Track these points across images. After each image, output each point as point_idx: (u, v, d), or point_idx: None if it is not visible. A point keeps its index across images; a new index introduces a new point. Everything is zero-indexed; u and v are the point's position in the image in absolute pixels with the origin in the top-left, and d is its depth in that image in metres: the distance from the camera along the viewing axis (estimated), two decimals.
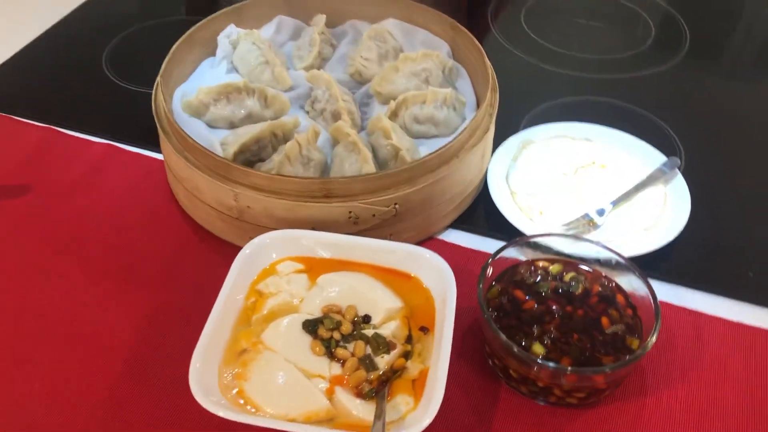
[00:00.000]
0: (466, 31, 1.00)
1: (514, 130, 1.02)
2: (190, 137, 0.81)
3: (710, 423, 0.70)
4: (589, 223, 0.88)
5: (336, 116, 0.93)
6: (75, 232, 0.89)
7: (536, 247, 0.77)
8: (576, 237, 0.78)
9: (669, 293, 0.82)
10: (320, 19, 1.07)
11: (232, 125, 0.94)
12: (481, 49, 0.96)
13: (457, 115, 0.94)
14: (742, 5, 1.38)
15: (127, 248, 0.87)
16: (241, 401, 0.65)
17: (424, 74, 0.97)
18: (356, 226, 0.81)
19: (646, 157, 0.96)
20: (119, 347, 0.76)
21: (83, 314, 0.79)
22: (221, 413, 0.62)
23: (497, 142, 0.96)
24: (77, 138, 1.03)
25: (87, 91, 1.13)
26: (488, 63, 0.93)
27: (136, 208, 0.92)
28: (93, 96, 1.12)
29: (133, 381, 0.73)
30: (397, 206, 0.80)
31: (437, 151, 0.81)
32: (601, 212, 0.89)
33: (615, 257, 0.75)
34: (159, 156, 0.99)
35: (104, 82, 1.15)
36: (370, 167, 0.83)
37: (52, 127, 1.04)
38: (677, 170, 0.93)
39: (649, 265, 0.79)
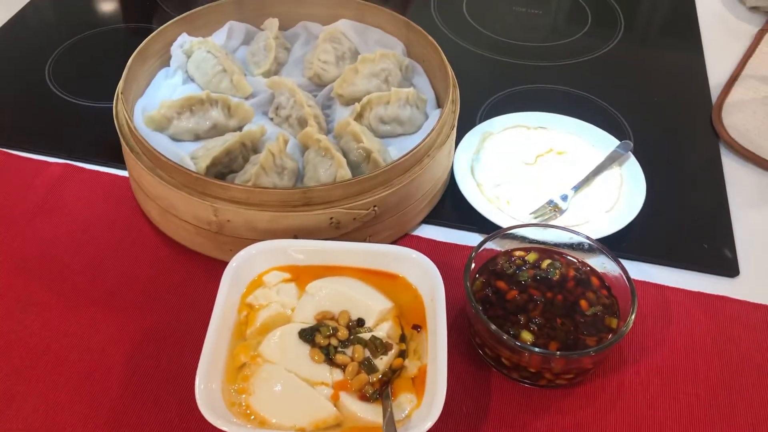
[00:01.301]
0: (420, 29, 1.02)
1: (472, 122, 1.06)
2: (163, 155, 0.80)
3: (685, 390, 0.76)
4: (554, 209, 0.92)
5: (302, 122, 0.94)
6: (46, 259, 0.86)
7: (512, 237, 0.81)
8: (551, 226, 0.82)
9: (633, 269, 0.87)
10: (273, 23, 1.07)
11: (197, 137, 0.94)
12: (437, 46, 0.98)
13: (420, 112, 0.96)
14: None
15: (104, 271, 0.85)
16: (252, 417, 0.66)
17: (383, 74, 0.99)
18: (337, 231, 0.82)
19: (599, 141, 1.01)
20: (113, 372, 0.75)
21: (68, 343, 0.78)
22: (234, 430, 0.63)
23: (458, 137, 0.99)
24: (30, 159, 1.00)
25: (33, 108, 1.10)
26: (446, 61, 0.96)
27: (105, 229, 0.90)
28: (41, 113, 1.09)
29: (134, 404, 0.73)
30: (376, 208, 0.82)
31: (411, 151, 0.83)
32: (564, 198, 0.93)
33: (586, 241, 0.80)
34: (120, 172, 0.98)
35: (51, 98, 1.11)
36: (345, 172, 0.84)
37: (2, 150, 1.01)
38: (630, 153, 0.98)
39: (612, 244, 0.84)
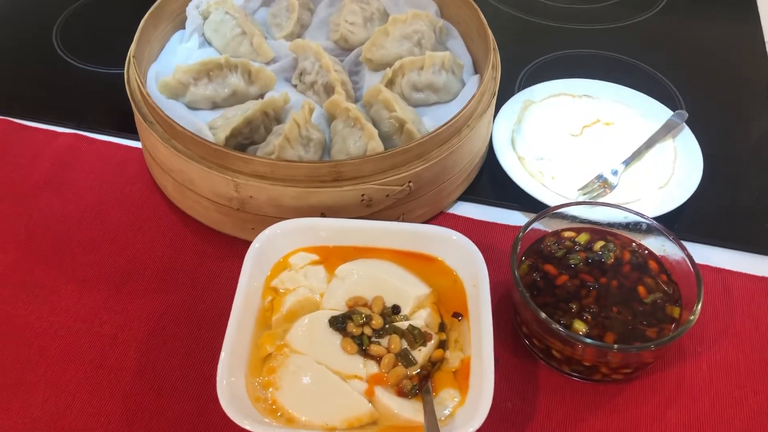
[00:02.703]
0: None
1: (511, 90, 0.98)
2: (178, 124, 0.74)
3: (753, 383, 0.69)
4: (603, 184, 0.85)
5: (329, 89, 0.86)
6: (54, 237, 0.80)
7: (561, 216, 0.74)
8: (604, 204, 0.74)
9: (691, 251, 0.80)
10: None
11: (215, 105, 0.87)
12: (476, 6, 0.90)
13: (456, 79, 0.89)
14: None
15: (116, 250, 0.79)
16: (278, 413, 0.60)
17: (416, 36, 0.91)
18: (368, 209, 0.75)
19: (649, 111, 0.93)
20: (126, 361, 0.70)
21: (78, 329, 0.72)
22: (261, 430, 0.57)
23: (496, 106, 0.91)
24: (38, 129, 0.93)
25: (40, 75, 1.03)
26: (485, 22, 0.88)
27: (118, 205, 0.84)
28: (48, 80, 1.02)
29: (149, 395, 0.67)
30: (411, 184, 0.75)
31: (449, 122, 0.75)
32: (614, 173, 0.86)
33: (643, 221, 0.73)
34: (134, 143, 0.91)
35: (58, 64, 1.04)
36: (377, 144, 0.77)
37: (7, 119, 0.94)
38: (685, 124, 0.90)
39: (665, 223, 0.76)
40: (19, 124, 0.93)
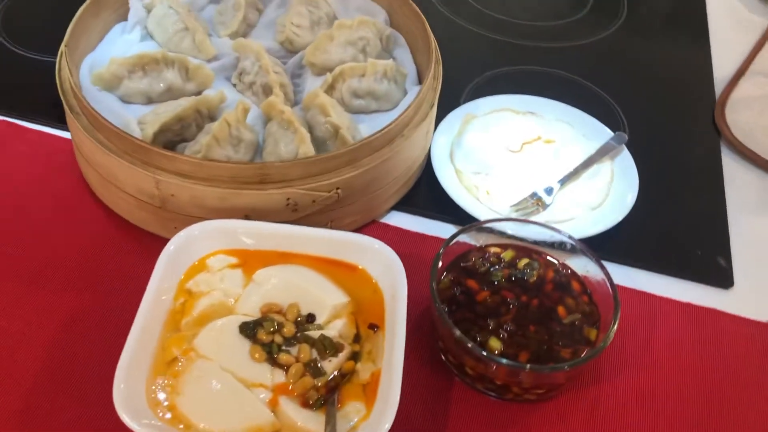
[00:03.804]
0: None
1: (455, 102, 0.97)
2: (102, 117, 0.72)
3: (666, 410, 0.69)
4: (537, 202, 0.84)
5: (267, 90, 0.85)
6: None
7: (489, 231, 0.73)
8: (531, 222, 0.74)
9: (618, 274, 0.80)
10: None
11: (150, 100, 0.85)
12: (422, 17, 0.89)
13: (398, 88, 0.88)
14: None
15: (34, 243, 0.77)
16: (176, 419, 0.58)
17: (361, 43, 0.90)
18: (295, 214, 0.74)
19: (592, 131, 0.93)
20: (29, 360, 0.67)
21: None
22: None
23: (438, 117, 0.91)
24: None
25: None
26: (430, 33, 0.87)
27: (42, 196, 0.82)
28: None
29: (49, 397, 0.65)
30: (339, 191, 0.73)
31: (382, 130, 0.74)
32: (549, 191, 0.85)
33: (568, 240, 0.72)
34: (66, 134, 0.89)
35: None
36: (308, 148, 0.76)
37: None
38: (624, 146, 0.90)
39: (597, 244, 0.76)
40: None
